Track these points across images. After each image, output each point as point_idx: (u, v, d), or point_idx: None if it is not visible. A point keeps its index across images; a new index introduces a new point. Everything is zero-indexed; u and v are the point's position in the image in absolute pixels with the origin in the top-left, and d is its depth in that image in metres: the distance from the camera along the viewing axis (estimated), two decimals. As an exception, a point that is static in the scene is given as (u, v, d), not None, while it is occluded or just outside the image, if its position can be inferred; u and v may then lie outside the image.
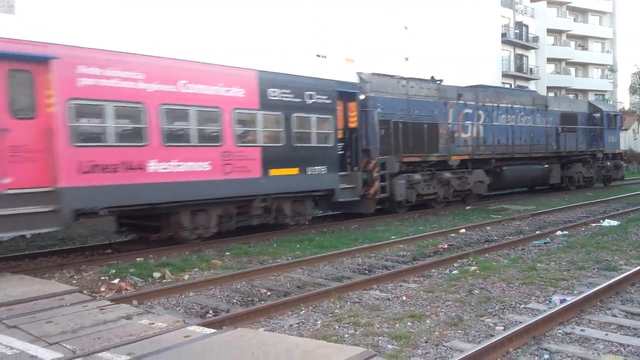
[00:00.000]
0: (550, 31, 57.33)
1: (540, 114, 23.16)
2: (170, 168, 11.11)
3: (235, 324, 6.56)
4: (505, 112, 21.23)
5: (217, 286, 8.75)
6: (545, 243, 12.10)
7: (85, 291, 8.09)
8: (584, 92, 59.84)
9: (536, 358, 5.53)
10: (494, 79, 44.28)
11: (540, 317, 6.30)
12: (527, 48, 52.13)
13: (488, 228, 14.61)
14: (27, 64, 9.51)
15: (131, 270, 9.71)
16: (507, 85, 42.52)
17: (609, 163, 27.85)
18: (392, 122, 16.47)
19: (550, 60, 57.62)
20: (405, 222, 16.06)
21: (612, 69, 62.78)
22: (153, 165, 10.87)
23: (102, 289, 8.66)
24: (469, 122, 19.49)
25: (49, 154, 9.60)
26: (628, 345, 5.80)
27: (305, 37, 51.11)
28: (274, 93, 13.03)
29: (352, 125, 15.33)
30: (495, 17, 47.02)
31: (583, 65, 62.94)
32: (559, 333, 6.19)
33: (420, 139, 17.37)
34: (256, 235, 13.23)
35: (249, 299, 8.17)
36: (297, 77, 13.71)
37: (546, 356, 5.56)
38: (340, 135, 15.02)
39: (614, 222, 14.71)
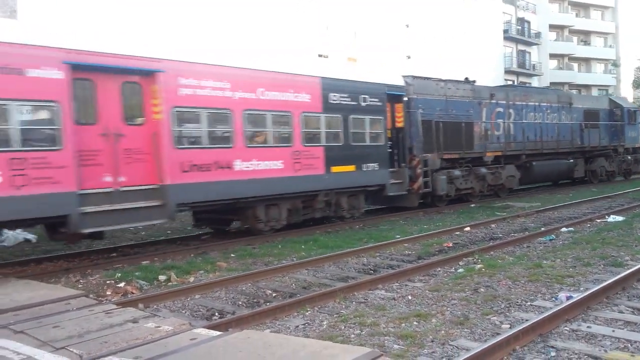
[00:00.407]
0: (552, 27, 57.11)
1: (565, 111, 24.37)
2: (252, 167, 12.62)
3: (241, 326, 6.57)
4: (534, 110, 22.46)
5: (223, 288, 8.76)
6: (550, 240, 12.07)
7: (91, 295, 8.09)
8: (587, 87, 59.66)
9: (543, 356, 5.51)
10: (496, 75, 44.19)
11: (547, 314, 6.28)
12: (529, 44, 51.98)
13: (493, 226, 14.59)
14: (137, 77, 10.91)
15: (137, 273, 9.73)
16: (509, 82, 42.36)
17: (629, 157, 28.74)
18: (434, 121, 17.73)
19: (552, 56, 57.39)
20: (410, 220, 16.06)
21: (615, 64, 62.43)
22: (238, 165, 12.37)
23: (108, 292, 8.68)
24: (501, 120, 20.78)
25: (156, 156, 10.95)
26: (635, 342, 5.78)
27: (307, 37, 51.07)
28: (334, 97, 14.49)
29: (399, 125, 16.80)
30: (497, 13, 46.89)
31: (586, 61, 62.70)
32: (566, 330, 6.18)
33: (458, 137, 18.59)
34: (260, 237, 13.25)
35: (255, 300, 8.18)
36: (353, 82, 15.17)
37: (553, 353, 5.55)
38: (388, 135, 16.37)
39: (619, 218, 14.67)
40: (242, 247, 12.25)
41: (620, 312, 6.83)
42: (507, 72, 48.01)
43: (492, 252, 10.89)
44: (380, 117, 15.78)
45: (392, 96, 16.29)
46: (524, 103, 21.87)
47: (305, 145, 13.68)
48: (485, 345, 5.39)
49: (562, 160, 24.06)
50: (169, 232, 15.17)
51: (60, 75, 9.60)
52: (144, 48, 11.13)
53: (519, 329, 5.85)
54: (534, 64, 52.62)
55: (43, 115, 9.68)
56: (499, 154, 20.39)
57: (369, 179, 15.40)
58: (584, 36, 62.91)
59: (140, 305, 7.67)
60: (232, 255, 11.46)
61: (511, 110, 21.22)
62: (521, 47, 50.97)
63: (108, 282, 9.30)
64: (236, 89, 12.26)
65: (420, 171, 16.87)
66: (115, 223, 10.45)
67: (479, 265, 9.59)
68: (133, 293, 8.64)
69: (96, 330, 5.88)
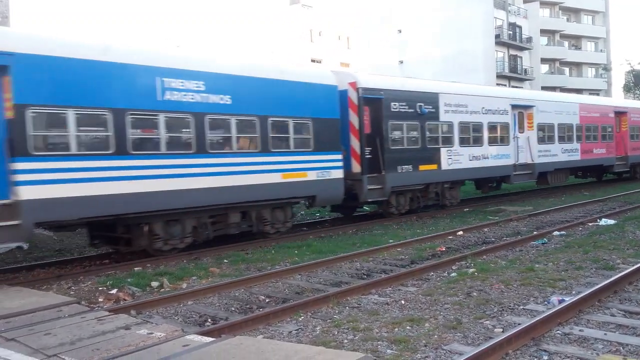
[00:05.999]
0: (543, 31, 57.47)
1: None
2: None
3: (234, 332, 6.55)
4: None
5: (216, 294, 8.74)
6: (542, 243, 12.12)
7: (83, 302, 8.06)
8: (579, 91, 59.88)
9: (535, 359, 5.53)
10: (488, 80, 44.32)
11: (539, 318, 6.31)
12: (521, 49, 52.17)
13: (485, 230, 14.63)
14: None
15: (129, 280, 9.70)
16: (502, 86, 42.51)
17: None
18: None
19: (544, 60, 57.72)
20: (403, 225, 16.08)
21: (606, 68, 62.83)
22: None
23: (100, 299, 8.65)
24: None
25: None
26: (627, 345, 5.81)
27: (300, 42, 51.06)
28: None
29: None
30: (489, 18, 47.08)
31: (577, 65, 63.09)
32: (558, 334, 6.20)
33: None
34: (254, 242, 13.24)
35: (248, 306, 8.16)
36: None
37: (545, 357, 5.57)
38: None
39: (611, 221, 14.74)
40: (235, 252, 12.24)
41: (612, 315, 6.87)
42: (499, 76, 48.15)
43: (484, 256, 10.92)
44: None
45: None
46: None
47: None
48: (478, 350, 5.41)
49: None
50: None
51: None
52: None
53: (511, 332, 5.87)
54: (525, 69, 52.80)
55: None
56: None
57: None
58: (575, 41, 63.31)
59: (133, 312, 7.64)
60: (225, 261, 11.44)
61: None
62: (513, 52, 51.12)
63: (100, 288, 9.27)
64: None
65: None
66: None
67: (471, 270, 9.62)
68: (125, 300, 8.61)
69: (88, 337, 5.86)
